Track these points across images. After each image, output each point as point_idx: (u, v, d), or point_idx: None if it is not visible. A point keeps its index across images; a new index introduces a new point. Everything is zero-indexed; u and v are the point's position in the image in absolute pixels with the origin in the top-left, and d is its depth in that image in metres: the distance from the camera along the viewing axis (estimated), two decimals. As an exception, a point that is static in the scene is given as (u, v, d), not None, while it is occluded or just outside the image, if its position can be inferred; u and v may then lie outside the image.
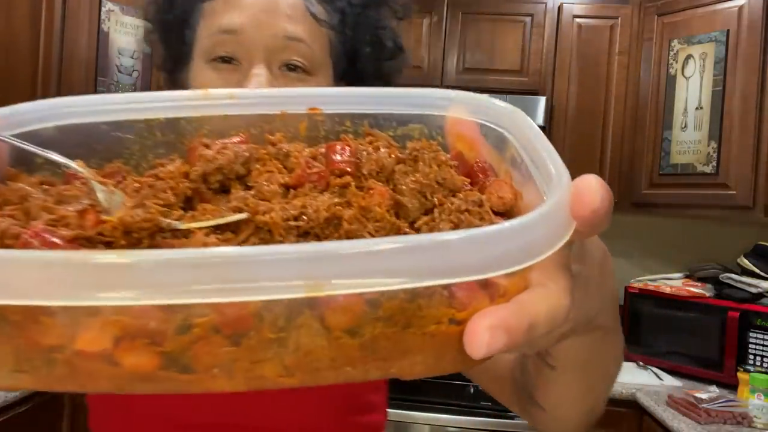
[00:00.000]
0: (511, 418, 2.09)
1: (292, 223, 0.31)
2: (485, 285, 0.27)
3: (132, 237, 0.30)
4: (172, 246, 0.30)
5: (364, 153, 0.35)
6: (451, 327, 0.27)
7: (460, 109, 0.37)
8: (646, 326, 2.41)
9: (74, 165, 0.34)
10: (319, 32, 0.64)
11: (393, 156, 0.35)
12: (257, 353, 0.27)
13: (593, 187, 0.28)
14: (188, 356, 0.27)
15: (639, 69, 2.48)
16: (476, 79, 2.53)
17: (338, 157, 0.34)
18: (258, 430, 0.67)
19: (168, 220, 0.31)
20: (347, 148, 0.35)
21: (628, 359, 2.44)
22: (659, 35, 2.43)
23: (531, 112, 2.41)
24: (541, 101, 2.41)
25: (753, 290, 2.16)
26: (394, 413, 2.09)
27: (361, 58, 0.69)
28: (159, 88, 2.67)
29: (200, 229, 0.31)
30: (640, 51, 2.49)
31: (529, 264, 0.25)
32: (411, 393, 2.09)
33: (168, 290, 0.23)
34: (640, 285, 2.44)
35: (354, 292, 0.25)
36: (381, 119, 0.39)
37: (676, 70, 2.37)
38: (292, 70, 0.62)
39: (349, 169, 0.34)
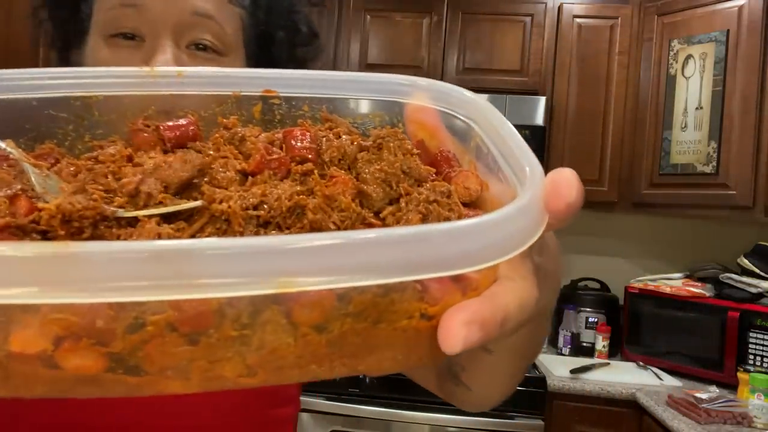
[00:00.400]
0: (511, 418, 2.09)
1: (252, 212, 0.29)
2: (457, 279, 0.26)
3: (72, 226, 0.27)
4: (118, 237, 0.28)
5: (324, 139, 0.33)
6: (422, 322, 0.26)
7: (421, 96, 0.36)
8: (646, 326, 2.41)
9: (2, 144, 0.31)
10: (230, 11, 0.60)
11: (355, 143, 0.34)
12: (217, 352, 0.25)
13: (570, 181, 0.27)
14: (139, 357, 0.25)
15: (639, 69, 2.48)
16: (476, 79, 2.53)
17: (298, 144, 0.32)
18: (168, 429, 0.62)
19: (113, 208, 0.28)
20: (307, 133, 0.33)
21: (628, 359, 2.44)
22: (659, 35, 2.43)
23: (531, 112, 2.41)
24: (541, 101, 2.41)
25: (753, 290, 2.16)
26: (394, 413, 2.09)
27: (275, 43, 0.66)
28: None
29: (149, 217, 0.28)
30: (640, 51, 2.49)
31: (508, 258, 0.24)
32: (411, 393, 2.09)
33: (121, 287, 0.21)
34: (640, 285, 2.44)
35: (329, 287, 0.23)
36: (340, 104, 0.37)
37: (676, 70, 2.37)
38: (202, 50, 0.58)
39: (310, 156, 0.32)
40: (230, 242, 0.22)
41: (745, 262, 2.25)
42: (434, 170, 0.33)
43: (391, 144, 0.33)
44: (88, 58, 0.59)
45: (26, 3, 2.21)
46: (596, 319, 2.50)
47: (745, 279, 2.20)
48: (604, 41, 2.50)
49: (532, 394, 2.11)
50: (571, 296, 2.59)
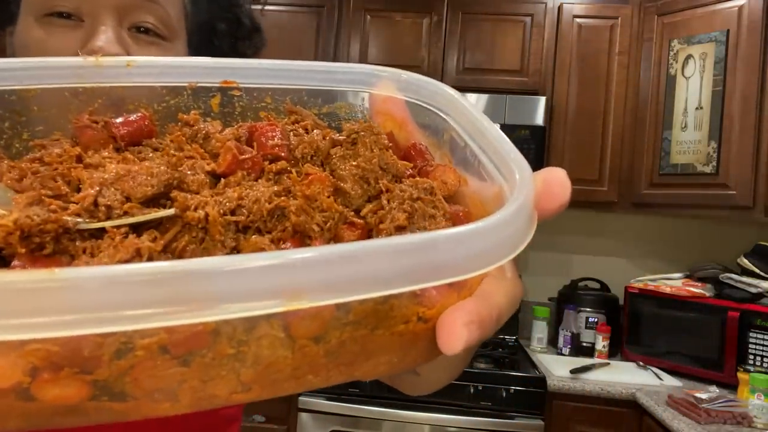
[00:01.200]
0: (511, 418, 2.09)
1: (231, 218, 0.27)
2: (452, 282, 0.25)
3: (32, 242, 0.24)
4: (84, 251, 0.25)
5: (293, 134, 0.31)
6: (419, 325, 0.26)
7: (388, 86, 0.34)
8: (646, 326, 2.41)
9: None
10: None
11: (327, 138, 0.32)
12: (210, 371, 0.23)
13: (563, 181, 0.28)
14: (125, 382, 0.23)
15: (639, 69, 2.48)
16: (476, 79, 2.53)
17: (269, 142, 0.30)
18: None
19: (76, 219, 0.26)
20: (276, 129, 0.31)
21: (628, 359, 2.44)
22: (659, 35, 2.43)
23: (531, 112, 2.41)
24: (541, 101, 2.41)
25: (753, 290, 2.16)
26: (393, 413, 2.09)
27: (217, 34, 0.65)
28: None
29: (117, 228, 0.26)
30: (640, 51, 2.49)
31: (509, 259, 0.24)
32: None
33: (118, 317, 0.19)
34: (640, 285, 2.44)
35: (338, 301, 0.21)
36: (305, 95, 0.35)
37: (676, 70, 2.37)
38: (144, 33, 0.56)
39: (282, 154, 0.30)
40: (235, 261, 0.20)
41: (745, 262, 2.25)
42: (410, 165, 0.32)
43: (367, 139, 0.31)
44: (18, 40, 0.55)
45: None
46: (596, 319, 2.50)
47: (745, 279, 2.20)
48: (604, 41, 2.50)
49: (532, 394, 2.11)
50: (571, 296, 2.59)
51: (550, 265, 2.84)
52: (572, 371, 2.18)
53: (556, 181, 0.27)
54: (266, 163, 0.30)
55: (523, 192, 0.25)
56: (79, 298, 0.19)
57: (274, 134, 0.31)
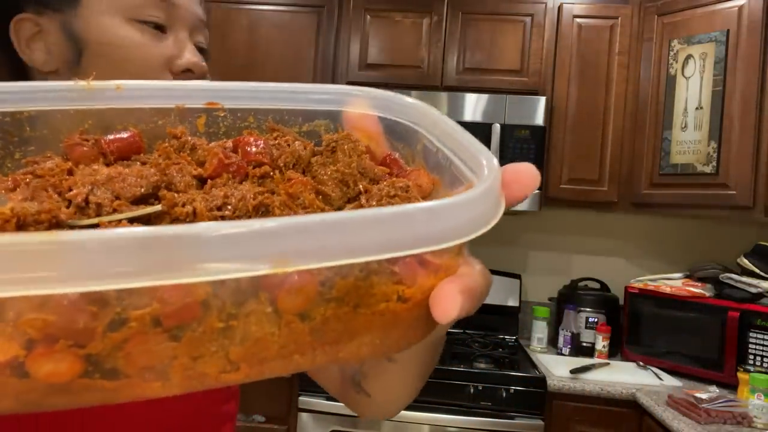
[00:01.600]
0: (511, 418, 2.09)
1: (217, 213, 0.28)
2: (426, 264, 0.27)
3: (26, 232, 0.25)
4: None
5: (275, 147, 0.33)
6: (399, 304, 0.27)
7: (360, 103, 0.37)
8: (646, 326, 2.41)
9: None
10: None
11: (308, 148, 0.34)
12: (200, 347, 0.24)
13: (533, 173, 0.30)
14: (118, 357, 0.23)
15: (639, 69, 2.49)
16: (476, 79, 2.53)
17: (253, 149, 0.32)
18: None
19: (68, 212, 0.27)
20: (260, 140, 0.33)
21: (628, 359, 2.44)
22: (659, 35, 2.43)
23: (531, 112, 2.41)
24: (541, 101, 2.42)
25: (753, 290, 2.16)
26: (394, 413, 2.09)
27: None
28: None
29: (108, 223, 0.27)
30: (640, 51, 2.49)
31: (479, 234, 0.26)
32: (411, 393, 2.10)
33: (116, 272, 0.20)
34: (640, 285, 2.44)
35: (322, 266, 0.23)
36: (286, 115, 0.37)
37: (676, 70, 2.37)
38: (200, 51, 0.63)
39: (266, 160, 0.32)
40: (225, 225, 0.22)
41: (745, 262, 2.25)
42: (387, 170, 0.35)
43: (345, 146, 0.34)
44: (103, 38, 0.58)
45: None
46: (596, 319, 2.50)
47: (745, 279, 2.20)
48: (604, 41, 2.51)
49: (532, 394, 2.11)
50: (571, 296, 2.59)
51: (550, 265, 2.84)
52: (572, 371, 2.19)
53: (525, 170, 0.30)
54: (250, 168, 0.32)
55: (491, 176, 0.28)
56: (78, 258, 0.20)
57: (257, 143, 0.33)
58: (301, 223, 0.22)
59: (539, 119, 2.41)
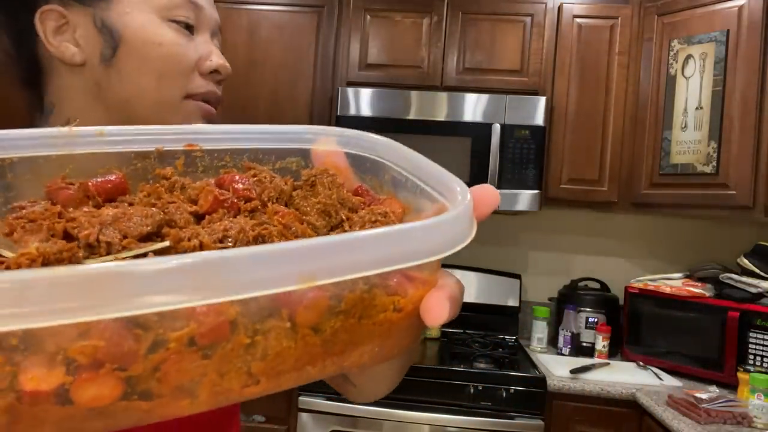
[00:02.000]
0: (511, 418, 2.09)
1: (220, 245, 0.30)
2: (412, 278, 0.31)
3: None
4: None
5: (256, 183, 0.36)
6: (394, 314, 0.30)
7: (328, 141, 0.40)
8: (646, 326, 2.41)
9: None
10: None
11: (288, 183, 0.37)
12: (228, 364, 0.26)
13: (494, 193, 0.35)
14: (155, 378, 0.25)
15: (639, 69, 2.49)
16: (476, 79, 2.53)
17: (240, 186, 0.35)
18: None
19: (83, 252, 0.28)
20: (244, 177, 0.36)
21: (628, 359, 2.44)
22: (659, 35, 2.43)
23: (531, 112, 2.41)
24: (541, 101, 2.42)
25: (753, 290, 2.16)
26: (394, 413, 2.09)
27: None
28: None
29: (123, 259, 0.28)
30: (640, 51, 2.49)
31: (462, 246, 0.30)
32: (411, 393, 2.10)
33: (167, 299, 0.22)
34: (640, 285, 2.44)
35: (343, 279, 0.26)
36: (260, 154, 0.40)
37: (676, 70, 2.37)
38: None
39: (253, 195, 0.35)
40: (257, 249, 0.25)
41: (745, 262, 2.25)
42: (363, 200, 0.38)
43: (324, 180, 0.37)
44: (144, 34, 0.59)
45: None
46: (596, 319, 2.50)
47: (745, 279, 2.20)
48: (604, 41, 2.51)
49: (532, 394, 2.11)
50: (571, 296, 2.59)
51: (550, 265, 2.84)
52: (572, 371, 2.19)
53: (487, 191, 0.34)
54: (241, 203, 0.35)
55: (466, 199, 0.31)
56: (129, 285, 0.21)
57: (243, 180, 0.36)
58: (321, 244, 0.25)
59: (539, 119, 2.41)
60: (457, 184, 0.33)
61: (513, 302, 2.71)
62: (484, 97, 2.43)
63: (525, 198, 2.40)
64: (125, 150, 0.37)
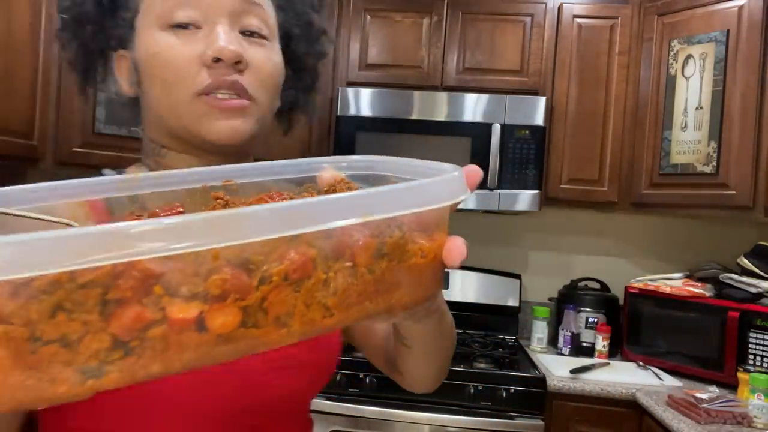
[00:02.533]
0: (511, 418, 2.09)
1: None
2: (430, 234, 0.40)
3: None
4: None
5: (286, 196, 0.43)
6: (422, 260, 0.39)
7: (330, 168, 0.48)
8: (646, 326, 2.41)
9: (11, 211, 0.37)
10: (270, 2, 0.67)
11: (310, 194, 0.45)
12: (310, 297, 0.34)
13: (477, 169, 0.43)
14: (262, 308, 0.32)
15: (639, 69, 2.49)
16: (476, 79, 2.53)
17: (277, 199, 0.42)
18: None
19: None
20: (280, 194, 0.43)
21: (628, 359, 2.44)
22: (659, 35, 2.43)
23: (531, 112, 2.41)
24: (541, 101, 2.41)
25: (753, 290, 2.16)
26: (394, 413, 2.09)
27: (292, 38, 0.71)
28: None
29: None
30: (640, 51, 2.49)
31: (462, 198, 0.39)
32: (411, 393, 2.09)
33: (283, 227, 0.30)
34: (640, 285, 2.44)
35: (385, 216, 0.34)
36: (283, 183, 0.49)
37: (676, 70, 2.37)
38: (249, 36, 0.63)
39: None
40: (330, 197, 0.34)
41: (745, 262, 2.25)
42: None
43: (343, 186, 0.45)
44: (144, 53, 0.63)
45: (26, 3, 2.20)
46: (596, 319, 2.50)
47: (745, 279, 2.20)
48: (604, 41, 2.51)
49: (532, 394, 2.11)
50: (571, 296, 2.59)
51: (550, 265, 2.84)
52: (572, 371, 2.19)
53: (472, 168, 0.43)
54: None
55: (458, 168, 0.41)
56: (244, 223, 0.29)
57: (280, 195, 0.43)
58: (375, 192, 0.34)
59: (539, 119, 2.41)
60: (448, 165, 0.42)
61: (513, 302, 2.71)
62: (484, 97, 2.43)
63: (525, 198, 2.40)
64: (177, 189, 0.45)
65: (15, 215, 0.36)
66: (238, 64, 0.61)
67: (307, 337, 0.35)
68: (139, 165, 0.71)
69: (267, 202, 0.40)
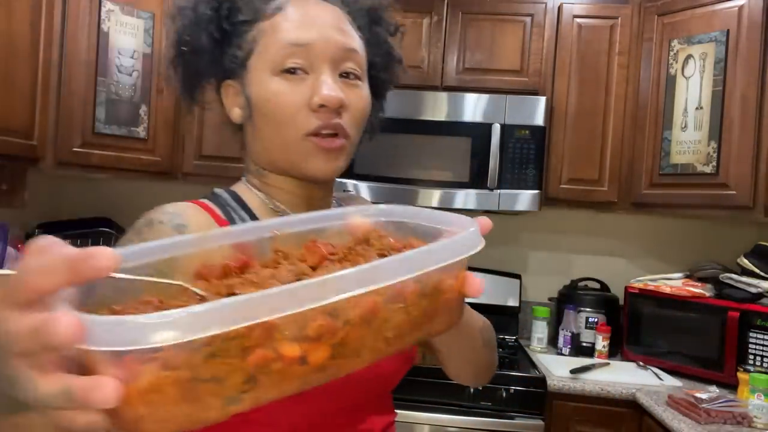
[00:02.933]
0: (511, 418, 2.09)
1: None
2: (455, 274, 0.49)
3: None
4: None
5: (330, 245, 0.51)
6: (450, 295, 0.49)
7: (357, 217, 0.57)
8: (646, 326, 2.41)
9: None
10: (361, 44, 0.76)
11: (350, 243, 0.54)
12: (377, 331, 0.42)
13: (488, 221, 0.53)
14: (344, 343, 0.40)
15: (639, 69, 2.49)
16: (476, 79, 2.53)
17: (327, 248, 0.50)
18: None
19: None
20: (323, 242, 0.51)
21: (628, 359, 2.44)
22: (659, 35, 2.43)
23: (531, 112, 2.41)
24: (541, 101, 2.42)
25: (753, 290, 2.16)
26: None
27: (374, 66, 0.81)
28: (159, 90, 2.65)
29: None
30: (640, 51, 2.49)
31: (478, 249, 0.48)
32: (411, 393, 2.09)
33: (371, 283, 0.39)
34: (640, 285, 2.44)
35: (432, 269, 0.44)
36: (317, 232, 0.57)
37: (676, 70, 2.37)
38: (345, 77, 0.73)
39: (335, 251, 0.51)
40: (390, 259, 0.43)
41: (745, 262, 2.25)
42: (399, 245, 0.53)
43: (374, 236, 0.54)
44: (256, 92, 0.73)
45: (26, 3, 2.20)
46: (596, 319, 2.51)
47: (745, 279, 2.20)
48: (604, 41, 2.51)
49: (532, 394, 2.11)
50: (571, 296, 2.59)
51: (550, 265, 2.84)
52: (572, 371, 2.19)
53: (483, 220, 0.52)
54: (335, 257, 0.51)
55: (474, 223, 0.50)
56: (329, 287, 0.37)
57: (324, 244, 0.51)
58: (422, 251, 0.44)
59: (539, 119, 2.41)
60: (464, 218, 0.52)
61: (513, 302, 2.71)
62: (484, 97, 2.43)
63: (525, 198, 2.40)
64: (239, 241, 0.52)
65: (130, 279, 0.41)
66: (340, 108, 0.71)
67: (373, 363, 0.44)
68: (246, 183, 0.80)
69: (315, 250, 0.50)
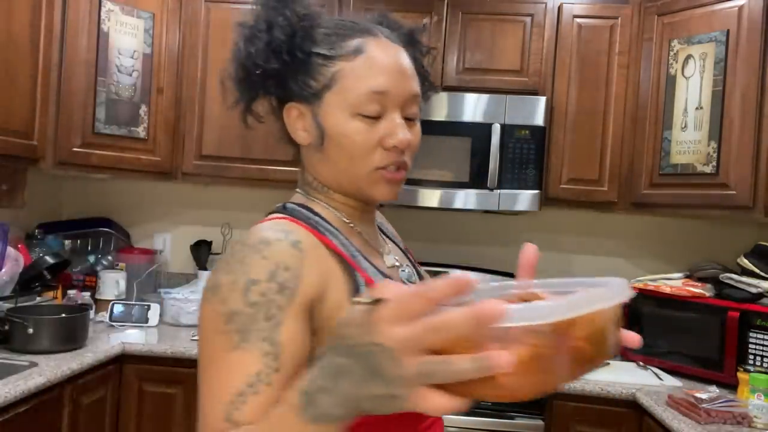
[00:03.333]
0: (511, 418, 2.09)
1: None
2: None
3: None
4: None
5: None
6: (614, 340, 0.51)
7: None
8: (646, 326, 2.41)
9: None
10: (418, 83, 0.84)
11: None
12: (596, 349, 0.47)
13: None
14: (600, 343, 0.47)
15: (639, 69, 2.49)
16: (476, 79, 2.53)
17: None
18: None
19: None
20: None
21: (628, 359, 2.44)
22: (659, 35, 2.43)
23: (531, 112, 2.41)
24: (541, 101, 2.42)
25: (753, 290, 2.16)
26: (394, 413, 2.09)
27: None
28: (159, 90, 2.64)
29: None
30: (640, 51, 2.49)
31: (632, 296, 0.52)
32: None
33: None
34: (640, 285, 2.44)
35: (588, 311, 0.45)
36: None
37: (676, 70, 2.37)
38: (408, 120, 0.82)
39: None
40: (556, 302, 0.44)
41: (745, 262, 2.25)
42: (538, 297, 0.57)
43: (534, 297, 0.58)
44: (332, 125, 0.79)
45: (26, 3, 2.20)
46: (596, 319, 2.50)
47: (745, 279, 2.20)
48: (604, 41, 2.51)
49: (532, 394, 2.10)
50: (571, 296, 2.59)
51: (550, 265, 2.84)
52: (572, 371, 2.18)
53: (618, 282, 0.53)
54: None
55: (623, 280, 0.52)
56: (527, 314, 0.42)
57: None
58: (578, 297, 0.44)
59: (539, 119, 2.41)
60: (613, 278, 0.53)
61: (513, 302, 2.70)
62: (484, 97, 2.43)
63: (525, 198, 2.40)
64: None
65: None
66: (407, 147, 0.81)
67: (581, 378, 0.50)
68: (308, 196, 0.86)
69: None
